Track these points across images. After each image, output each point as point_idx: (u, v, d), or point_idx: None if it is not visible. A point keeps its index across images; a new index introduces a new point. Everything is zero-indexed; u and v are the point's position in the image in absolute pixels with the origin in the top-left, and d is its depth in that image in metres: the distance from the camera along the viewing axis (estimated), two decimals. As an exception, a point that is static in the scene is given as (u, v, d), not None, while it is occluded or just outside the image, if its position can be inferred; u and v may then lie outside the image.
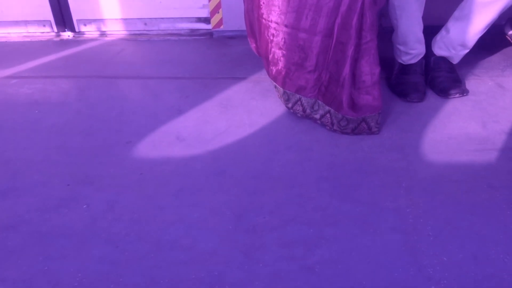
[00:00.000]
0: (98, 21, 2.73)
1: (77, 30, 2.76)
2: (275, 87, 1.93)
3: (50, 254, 1.37)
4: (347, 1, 1.65)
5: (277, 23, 1.78)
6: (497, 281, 1.23)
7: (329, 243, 1.36)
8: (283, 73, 1.84)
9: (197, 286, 1.26)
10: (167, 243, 1.39)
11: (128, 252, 1.37)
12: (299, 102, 1.84)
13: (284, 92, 1.87)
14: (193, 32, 2.71)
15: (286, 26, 1.76)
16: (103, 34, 2.76)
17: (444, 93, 1.96)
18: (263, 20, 1.82)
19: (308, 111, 1.85)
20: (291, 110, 1.88)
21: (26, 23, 2.76)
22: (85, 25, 2.74)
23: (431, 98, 1.98)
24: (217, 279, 1.27)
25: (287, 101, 1.88)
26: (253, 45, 2.08)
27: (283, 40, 1.79)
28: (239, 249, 1.36)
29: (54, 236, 1.43)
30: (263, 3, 1.80)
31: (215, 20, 2.59)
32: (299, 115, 1.87)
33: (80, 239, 1.42)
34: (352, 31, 1.66)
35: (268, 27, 1.81)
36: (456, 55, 2.00)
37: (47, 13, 2.71)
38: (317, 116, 1.84)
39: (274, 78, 1.91)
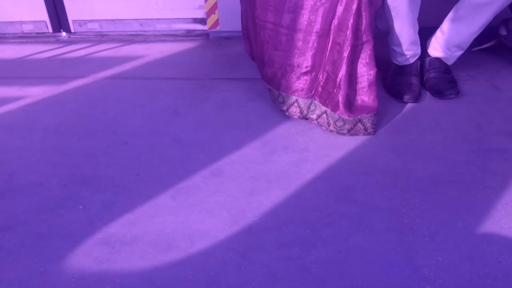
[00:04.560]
0: (94, 21, 2.72)
1: (72, 30, 2.75)
2: (269, 90, 1.93)
3: (46, 255, 1.37)
4: (343, 2, 1.66)
5: (273, 23, 1.79)
6: (492, 281, 1.23)
7: (325, 243, 1.36)
8: (278, 74, 1.84)
9: (193, 287, 1.26)
10: (164, 244, 1.39)
11: (124, 253, 1.37)
12: (295, 104, 1.84)
13: (279, 95, 1.87)
14: (189, 33, 2.70)
15: (282, 26, 1.77)
16: (98, 34, 2.75)
17: (439, 94, 1.97)
18: (259, 21, 1.82)
19: (305, 112, 1.85)
20: (287, 113, 1.88)
21: (21, 23, 2.76)
22: (80, 25, 2.74)
23: (426, 99, 1.99)
24: (213, 280, 1.28)
25: (282, 103, 1.88)
26: (247, 48, 2.08)
27: (279, 41, 1.79)
28: (236, 249, 1.36)
29: (51, 237, 1.43)
30: (259, 4, 1.80)
31: (211, 21, 2.60)
32: (295, 117, 1.87)
33: (77, 240, 1.42)
34: (348, 32, 1.67)
35: (264, 27, 1.82)
36: (451, 56, 2.01)
37: (43, 14, 2.70)
38: (314, 116, 1.84)
39: (268, 81, 1.90)
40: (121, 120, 1.96)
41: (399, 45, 1.97)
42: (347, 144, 1.75)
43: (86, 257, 1.36)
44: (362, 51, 1.72)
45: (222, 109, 2.00)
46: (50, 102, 2.11)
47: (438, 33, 1.99)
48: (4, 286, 1.29)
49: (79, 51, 2.59)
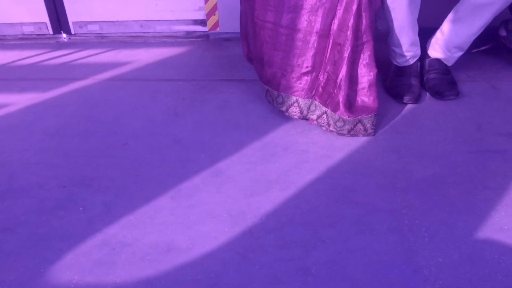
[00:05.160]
0: (94, 23, 2.73)
1: (73, 32, 2.75)
2: (267, 91, 1.92)
3: (46, 257, 1.37)
4: (343, 2, 1.66)
5: (273, 23, 1.79)
6: (492, 282, 1.23)
7: (325, 244, 1.36)
8: (278, 74, 1.84)
9: None
10: (164, 245, 1.39)
11: (124, 254, 1.37)
12: (295, 104, 1.84)
13: (279, 95, 1.87)
14: (189, 35, 2.71)
15: (282, 26, 1.77)
16: (99, 36, 2.76)
17: (439, 95, 1.98)
18: (259, 21, 1.82)
19: (305, 112, 1.85)
20: (286, 113, 1.88)
21: (21, 25, 2.76)
22: (81, 27, 2.74)
23: (426, 100, 1.99)
24: (214, 281, 1.28)
25: (281, 104, 1.88)
26: (244, 49, 2.08)
27: (279, 41, 1.80)
28: (236, 251, 1.36)
29: (51, 238, 1.43)
30: (259, 3, 1.80)
31: (211, 22, 2.60)
32: (295, 117, 1.87)
33: (77, 241, 1.42)
34: (349, 33, 1.67)
35: (264, 27, 1.82)
36: (451, 57, 2.01)
37: (43, 15, 2.70)
38: (314, 117, 1.85)
39: (267, 82, 1.90)
40: (121, 122, 1.96)
41: (399, 46, 1.97)
42: (347, 145, 1.75)
43: (86, 258, 1.36)
44: (362, 52, 1.73)
45: (222, 110, 2.00)
46: (50, 104, 2.12)
47: (438, 34, 2.00)
48: (4, 287, 1.29)
49: (79, 52, 2.59)
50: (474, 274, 1.25)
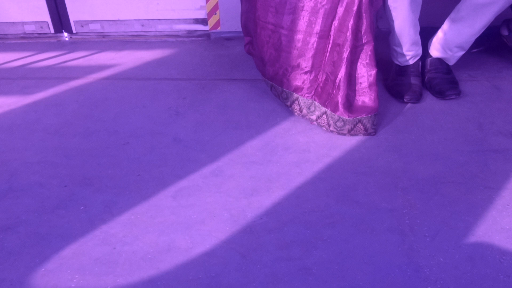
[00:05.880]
0: (95, 22, 2.73)
1: (74, 31, 2.76)
2: (271, 86, 1.94)
3: (47, 256, 1.37)
4: (344, 3, 1.66)
5: (274, 24, 1.79)
6: (493, 282, 1.23)
7: (326, 244, 1.36)
8: (280, 73, 1.86)
9: (194, 287, 1.26)
10: (165, 245, 1.39)
11: (125, 253, 1.37)
12: (296, 102, 1.86)
13: (283, 91, 1.89)
14: (190, 34, 2.71)
15: (282, 28, 1.77)
16: (100, 35, 2.76)
17: (440, 94, 1.97)
18: (260, 22, 1.83)
19: (304, 111, 1.86)
20: (290, 108, 1.90)
21: (23, 24, 2.76)
22: (82, 26, 2.74)
23: (428, 99, 1.99)
24: (214, 280, 1.28)
25: (285, 99, 1.90)
26: (246, 39, 2.07)
27: (279, 41, 1.80)
28: (237, 250, 1.36)
29: (52, 238, 1.43)
30: (260, 5, 1.80)
31: (212, 21, 2.60)
32: (296, 114, 1.88)
33: (78, 241, 1.42)
34: (348, 33, 1.67)
35: (265, 28, 1.82)
36: (453, 56, 2.01)
37: (44, 14, 2.71)
38: (314, 117, 1.85)
39: (271, 78, 1.92)
40: (121, 121, 1.96)
41: (400, 45, 1.97)
42: (348, 144, 1.75)
43: (87, 257, 1.36)
44: (362, 52, 1.73)
45: (223, 110, 2.00)
46: (51, 103, 2.12)
47: (439, 34, 1.99)
48: (5, 286, 1.29)
49: (80, 51, 2.60)
50: (475, 274, 1.25)
